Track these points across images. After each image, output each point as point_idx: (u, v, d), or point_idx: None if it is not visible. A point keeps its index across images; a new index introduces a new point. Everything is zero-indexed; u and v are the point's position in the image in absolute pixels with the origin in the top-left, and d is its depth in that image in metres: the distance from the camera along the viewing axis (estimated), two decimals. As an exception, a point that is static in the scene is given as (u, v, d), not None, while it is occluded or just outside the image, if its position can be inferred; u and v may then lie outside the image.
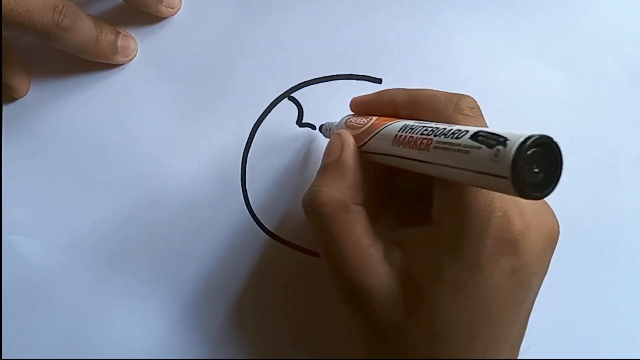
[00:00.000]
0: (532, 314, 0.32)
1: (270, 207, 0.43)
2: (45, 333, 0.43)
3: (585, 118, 0.43)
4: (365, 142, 0.33)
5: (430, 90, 0.33)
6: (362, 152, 0.33)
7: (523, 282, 0.30)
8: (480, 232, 0.28)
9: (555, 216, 0.32)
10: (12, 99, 0.43)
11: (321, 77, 0.43)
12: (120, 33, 0.42)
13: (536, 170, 0.22)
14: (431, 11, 0.43)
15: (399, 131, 0.30)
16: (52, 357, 0.43)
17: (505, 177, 0.22)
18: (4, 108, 0.43)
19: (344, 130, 0.35)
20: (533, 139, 0.22)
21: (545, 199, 0.24)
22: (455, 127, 0.26)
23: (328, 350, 0.43)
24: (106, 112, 0.43)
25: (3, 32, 0.37)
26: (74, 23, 0.38)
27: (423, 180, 0.30)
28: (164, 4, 0.42)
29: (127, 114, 0.43)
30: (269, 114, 0.43)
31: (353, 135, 0.34)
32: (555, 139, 0.23)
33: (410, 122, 0.30)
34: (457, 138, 0.25)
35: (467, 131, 0.25)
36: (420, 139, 0.28)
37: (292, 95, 0.43)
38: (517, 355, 0.32)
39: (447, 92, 0.32)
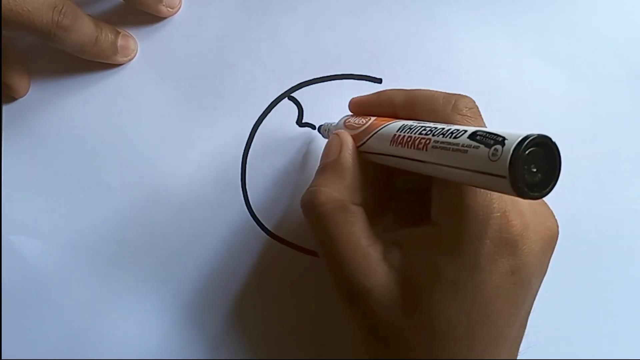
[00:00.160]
0: (531, 314, 0.32)
1: (270, 207, 0.43)
2: (45, 333, 0.43)
3: (585, 118, 0.43)
4: (364, 142, 0.33)
5: (429, 90, 0.33)
6: (361, 153, 0.33)
7: (522, 282, 0.29)
8: (479, 232, 0.28)
9: (554, 216, 0.32)
10: (12, 98, 0.43)
11: (321, 77, 0.43)
12: (120, 33, 0.42)
13: (534, 169, 0.22)
14: (431, 11, 0.43)
15: (397, 131, 0.30)
16: (52, 357, 0.43)
17: (503, 177, 0.22)
18: (4, 108, 0.43)
19: (342, 131, 0.35)
20: (531, 138, 0.22)
21: (545, 199, 0.24)
22: (454, 127, 0.26)
23: (328, 350, 0.43)
24: (106, 112, 0.43)
25: (3, 32, 0.37)
26: (73, 23, 0.38)
27: (422, 180, 0.30)
28: (164, 3, 0.42)
29: (127, 114, 0.43)
30: (269, 114, 0.43)
31: (352, 136, 0.34)
32: (553, 139, 0.23)
33: (409, 122, 0.30)
34: (455, 138, 0.25)
35: (465, 131, 0.25)
36: (419, 139, 0.28)
37: (292, 95, 0.43)
38: (516, 356, 0.32)
39: (446, 93, 0.32)
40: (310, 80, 0.43)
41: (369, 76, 0.43)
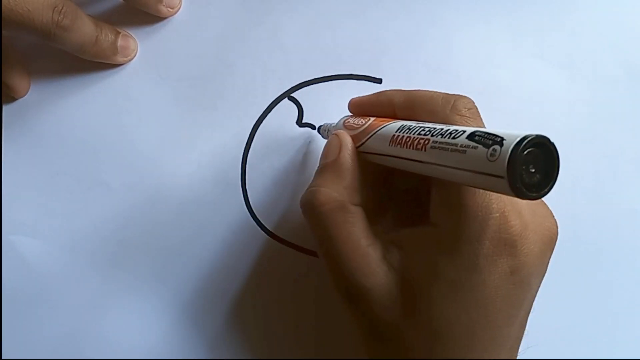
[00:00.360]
0: (531, 314, 0.32)
1: (270, 207, 0.43)
2: (45, 333, 0.43)
3: (585, 118, 0.43)
4: (363, 143, 0.33)
5: (428, 91, 0.33)
6: (360, 153, 0.33)
7: (521, 282, 0.29)
8: (478, 232, 0.28)
9: (553, 217, 0.32)
10: (12, 99, 0.43)
11: (321, 77, 0.43)
12: (120, 33, 0.42)
13: (533, 170, 0.22)
14: (431, 11, 0.43)
15: (396, 131, 0.30)
16: (52, 357, 0.43)
17: (501, 177, 0.22)
18: (4, 108, 0.43)
19: (342, 131, 0.35)
20: (529, 138, 0.22)
21: (545, 199, 0.24)
22: (452, 128, 0.26)
23: (328, 350, 0.43)
24: (106, 112, 0.43)
25: (3, 31, 0.37)
26: (73, 23, 0.38)
27: (421, 180, 0.30)
28: (164, 4, 0.42)
29: (127, 114, 0.43)
30: (269, 114, 0.43)
31: (351, 136, 0.34)
32: (552, 139, 0.23)
33: (408, 123, 0.30)
34: (453, 138, 0.25)
35: (464, 131, 0.25)
36: (417, 139, 0.28)
37: (292, 95, 0.43)
38: (516, 356, 0.32)
39: (445, 93, 0.32)
40: (310, 80, 0.43)
41: (369, 76, 0.43)
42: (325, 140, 0.36)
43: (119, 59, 0.43)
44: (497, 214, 0.28)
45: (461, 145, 0.24)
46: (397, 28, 0.43)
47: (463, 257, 0.29)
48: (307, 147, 0.43)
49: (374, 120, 0.33)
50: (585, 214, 0.42)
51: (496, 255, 0.29)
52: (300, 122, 0.43)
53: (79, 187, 0.43)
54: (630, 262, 0.42)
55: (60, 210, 0.43)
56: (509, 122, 0.42)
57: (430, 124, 0.28)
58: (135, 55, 0.43)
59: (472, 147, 0.24)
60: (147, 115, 0.43)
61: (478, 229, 0.28)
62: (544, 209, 0.32)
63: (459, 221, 0.29)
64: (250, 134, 0.43)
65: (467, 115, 0.30)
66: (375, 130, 0.32)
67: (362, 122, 0.34)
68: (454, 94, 0.31)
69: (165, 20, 0.43)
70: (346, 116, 0.37)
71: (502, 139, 0.22)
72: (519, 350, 0.32)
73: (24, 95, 0.43)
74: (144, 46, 0.44)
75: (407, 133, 0.29)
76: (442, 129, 0.26)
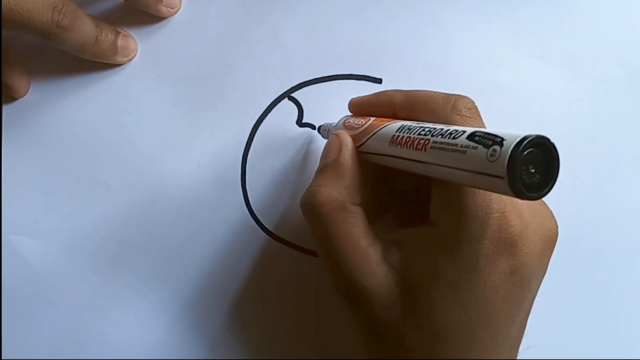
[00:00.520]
0: (531, 314, 0.32)
1: (270, 207, 0.43)
2: (45, 333, 0.43)
3: (585, 118, 0.42)
4: (363, 143, 0.33)
5: (428, 91, 0.33)
6: (360, 153, 0.33)
7: (521, 282, 0.29)
8: (478, 232, 0.28)
9: (553, 217, 0.32)
10: (12, 99, 0.43)
11: (321, 77, 0.43)
12: (120, 33, 0.42)
13: (532, 170, 0.22)
14: (431, 11, 0.43)
15: (396, 131, 0.30)
16: (52, 357, 0.43)
17: (501, 177, 0.22)
18: (4, 108, 0.43)
19: (342, 131, 0.35)
20: (529, 139, 0.22)
21: (545, 199, 0.24)
22: (452, 128, 0.26)
23: (328, 350, 0.43)
24: (106, 112, 0.43)
25: (3, 31, 0.37)
26: (73, 22, 0.38)
27: (421, 180, 0.30)
28: (164, 3, 0.42)
29: (127, 114, 0.43)
30: (269, 114, 0.43)
31: (351, 136, 0.34)
32: (552, 140, 0.23)
33: (408, 123, 0.30)
34: (454, 138, 0.25)
35: (464, 131, 0.25)
36: (418, 139, 0.28)
37: (292, 95, 0.43)
38: (516, 356, 0.32)
39: (445, 93, 0.32)
40: (310, 80, 0.43)
41: (369, 76, 0.43)
42: (326, 140, 0.36)
43: (119, 59, 0.43)
44: (497, 214, 0.28)
45: (461, 146, 0.24)
46: (397, 28, 0.43)
47: (463, 257, 0.29)
48: (307, 147, 0.43)
49: (374, 120, 0.33)
50: (585, 214, 0.42)
51: (496, 255, 0.29)
52: (300, 122, 0.43)
53: (79, 187, 0.43)
54: (630, 262, 0.42)
55: (60, 210, 0.43)
56: (508, 122, 0.42)
57: (430, 124, 0.28)
58: (135, 55, 0.43)
59: (472, 148, 0.24)
60: (147, 115, 0.43)
61: (478, 229, 0.28)
62: (544, 209, 0.32)
63: (459, 221, 0.29)
64: (250, 134, 0.43)
65: (467, 115, 0.30)
66: (376, 130, 0.32)
67: (362, 122, 0.34)
68: (454, 94, 0.31)
69: (165, 20, 0.43)
70: (346, 116, 0.37)
71: (502, 139, 0.22)
72: (519, 350, 0.32)
73: (24, 95, 0.43)
74: (144, 46, 0.44)
75: (407, 133, 0.29)
76: (442, 129, 0.26)
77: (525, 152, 0.22)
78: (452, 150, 0.25)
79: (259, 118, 0.43)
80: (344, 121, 0.36)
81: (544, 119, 0.42)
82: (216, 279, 0.43)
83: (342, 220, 0.31)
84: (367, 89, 0.41)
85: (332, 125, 0.39)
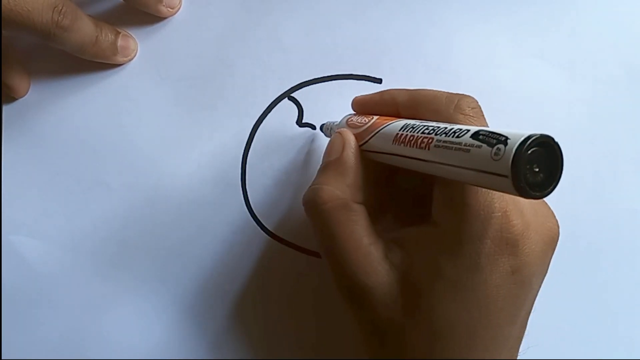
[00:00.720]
0: (532, 314, 0.32)
1: (270, 207, 0.43)
2: (45, 333, 0.43)
3: (585, 118, 0.43)
4: (366, 141, 0.33)
5: (432, 90, 0.33)
6: (363, 151, 0.33)
7: (522, 282, 0.30)
8: (480, 232, 0.28)
9: (555, 217, 0.32)
10: (12, 99, 0.43)
11: (321, 77, 0.43)
12: (120, 33, 0.42)
13: (536, 169, 0.22)
14: (431, 11, 0.43)
15: (399, 130, 0.30)
16: (52, 357, 0.43)
17: (505, 176, 0.22)
18: (4, 108, 0.43)
19: (345, 129, 0.35)
20: (534, 138, 0.22)
21: (546, 199, 0.24)
22: (456, 127, 0.26)
23: (328, 350, 0.43)
24: (106, 112, 0.43)
25: (3, 32, 0.37)
26: (73, 23, 0.38)
27: (424, 179, 0.30)
28: (164, 4, 0.42)
29: (127, 114, 0.43)
30: (269, 114, 0.43)
31: (354, 134, 0.34)
32: (556, 139, 0.23)
33: (411, 122, 0.30)
34: (457, 137, 0.25)
35: (468, 130, 0.25)
36: (421, 138, 0.28)
37: (292, 95, 0.43)
38: (516, 356, 0.32)
39: (448, 92, 0.32)
40: (310, 80, 0.43)
41: (369, 76, 0.43)
42: (328, 139, 0.36)
43: (119, 59, 0.43)
44: (499, 214, 0.28)
45: (465, 144, 0.24)
46: (397, 28, 0.43)
47: (465, 257, 0.29)
48: (307, 147, 0.43)
49: (377, 118, 0.33)
50: (585, 214, 0.42)
51: (498, 254, 0.29)
52: (300, 122, 0.43)
53: (79, 187, 0.43)
54: (630, 262, 0.42)
55: (60, 210, 0.43)
56: (509, 122, 0.42)
57: (434, 122, 0.28)
58: (135, 55, 0.43)
59: (476, 146, 0.24)
60: (147, 115, 0.43)
61: (480, 228, 0.28)
62: (546, 209, 0.32)
63: (461, 220, 0.29)
64: (250, 134, 0.43)
65: (471, 114, 0.30)
66: (379, 128, 0.32)
67: (365, 120, 0.34)
68: (457, 93, 0.31)
69: (165, 20, 0.43)
70: (349, 114, 0.37)
71: (507, 138, 0.22)
72: (520, 350, 0.32)
73: (24, 95, 0.43)
74: (144, 46, 0.43)
75: (410, 132, 0.29)
76: (445, 127, 0.26)
77: (529, 151, 0.22)
78: (456, 149, 0.25)
79: (259, 118, 0.43)
80: (347, 119, 0.36)
81: (544, 119, 0.42)
82: (216, 279, 0.43)
83: (344, 219, 0.31)
84: (367, 89, 0.41)
85: (335, 123, 0.38)
